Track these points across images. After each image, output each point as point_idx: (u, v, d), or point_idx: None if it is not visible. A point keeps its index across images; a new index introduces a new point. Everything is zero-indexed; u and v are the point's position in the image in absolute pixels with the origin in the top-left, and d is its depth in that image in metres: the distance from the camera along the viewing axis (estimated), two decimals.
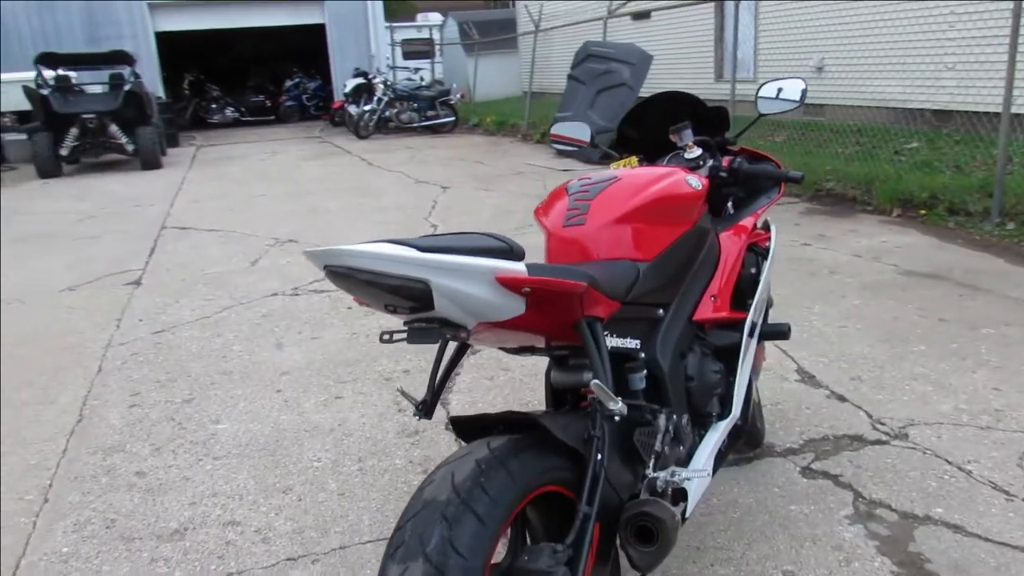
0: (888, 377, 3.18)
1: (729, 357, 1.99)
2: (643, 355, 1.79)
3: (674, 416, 1.80)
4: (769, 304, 2.54)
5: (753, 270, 2.16)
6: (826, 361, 3.38)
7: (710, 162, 2.23)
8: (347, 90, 15.73)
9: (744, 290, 2.11)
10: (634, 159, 2.40)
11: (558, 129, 2.57)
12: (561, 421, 1.52)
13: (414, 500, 1.34)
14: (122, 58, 12.13)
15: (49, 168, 11.39)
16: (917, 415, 2.85)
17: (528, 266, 1.36)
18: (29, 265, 6.01)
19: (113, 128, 11.71)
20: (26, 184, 10.94)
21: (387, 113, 14.93)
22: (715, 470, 1.97)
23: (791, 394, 3.09)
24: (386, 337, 1.38)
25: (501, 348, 1.71)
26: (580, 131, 2.51)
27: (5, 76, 13.36)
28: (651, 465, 1.68)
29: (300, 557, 2.24)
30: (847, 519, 2.27)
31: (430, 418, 1.65)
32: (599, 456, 1.50)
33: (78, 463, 2.85)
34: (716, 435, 1.93)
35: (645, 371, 1.79)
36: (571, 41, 13.51)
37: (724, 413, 1.96)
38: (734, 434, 2.09)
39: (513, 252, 1.36)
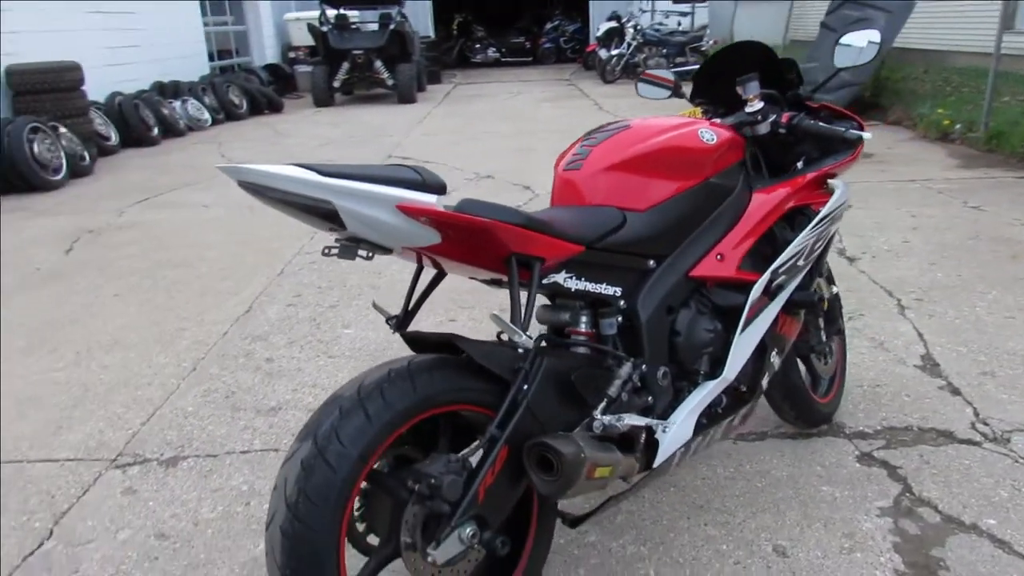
0: None
1: (732, 318, 1.93)
2: (622, 303, 1.82)
3: (644, 366, 1.82)
4: (825, 275, 2.39)
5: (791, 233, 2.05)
6: (963, 351, 3.03)
7: (771, 116, 2.13)
8: (600, 34, 15.78)
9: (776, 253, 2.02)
10: (697, 111, 2.34)
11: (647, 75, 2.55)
12: (492, 349, 1.62)
13: (333, 394, 1.54)
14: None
15: (323, 98, 12.84)
16: None
17: (466, 202, 1.48)
18: None
19: (378, 64, 12.85)
20: (303, 111, 12.44)
21: (635, 58, 14.82)
22: (705, 431, 1.95)
23: (898, 379, 2.84)
24: (325, 251, 1.56)
25: (472, 279, 1.82)
26: (666, 75, 2.48)
27: (295, 14, 15.15)
28: (600, 408, 1.73)
29: None
30: (878, 511, 2.12)
31: (404, 331, 1.80)
32: (525, 387, 1.60)
33: (229, 344, 3.42)
34: (701, 394, 1.90)
35: (619, 318, 1.82)
36: None
37: (715, 373, 1.92)
38: (737, 399, 2.04)
39: (425, 184, 1.47)
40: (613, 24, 15.59)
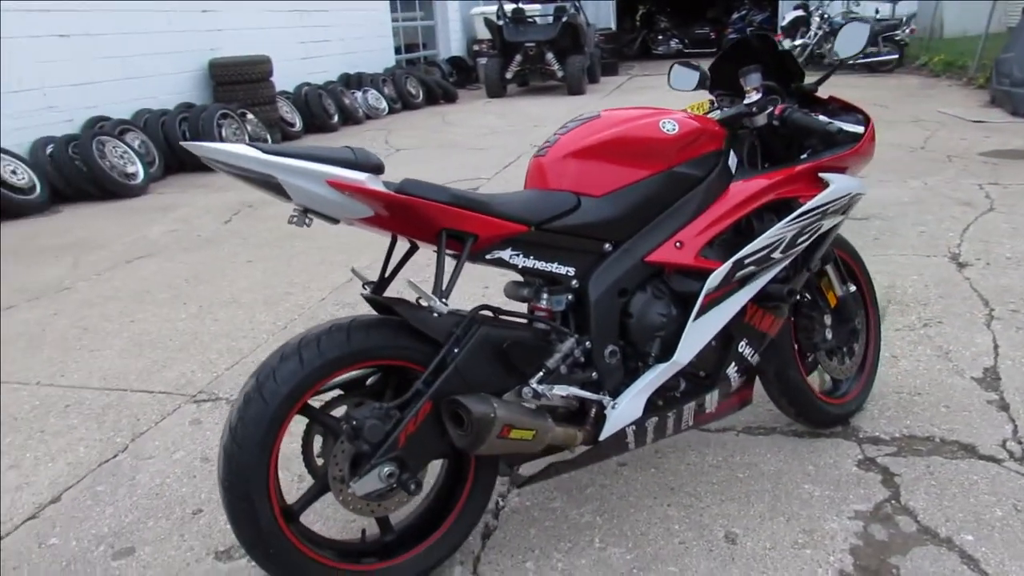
0: None
1: (690, 305, 1.97)
2: (575, 283, 1.93)
3: (588, 343, 1.92)
4: (834, 273, 2.33)
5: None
6: None
7: (768, 108, 2.14)
8: (784, 23, 15.14)
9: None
10: (705, 103, 2.37)
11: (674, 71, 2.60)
12: (428, 314, 1.80)
13: (286, 341, 1.80)
14: None
15: (495, 89, 13.35)
16: None
17: (407, 181, 1.69)
18: (420, 167, 7.44)
19: (549, 56, 13.15)
20: (475, 102, 13.01)
21: (821, 48, 14.06)
22: (661, 413, 2.02)
23: (945, 389, 2.68)
24: (289, 220, 1.81)
25: None
26: (690, 75, 2.51)
27: (480, 9, 15.79)
28: (535, 378, 1.86)
29: None
30: (853, 513, 2.08)
31: (381, 295, 2.00)
32: (456, 350, 1.78)
33: (322, 309, 3.82)
34: (651, 375, 1.97)
35: (568, 296, 1.94)
36: None
37: (666, 356, 1.98)
38: (697, 385, 2.08)
39: (357, 163, 1.67)
40: (799, 13, 14.89)
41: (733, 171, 2.10)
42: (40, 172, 6.57)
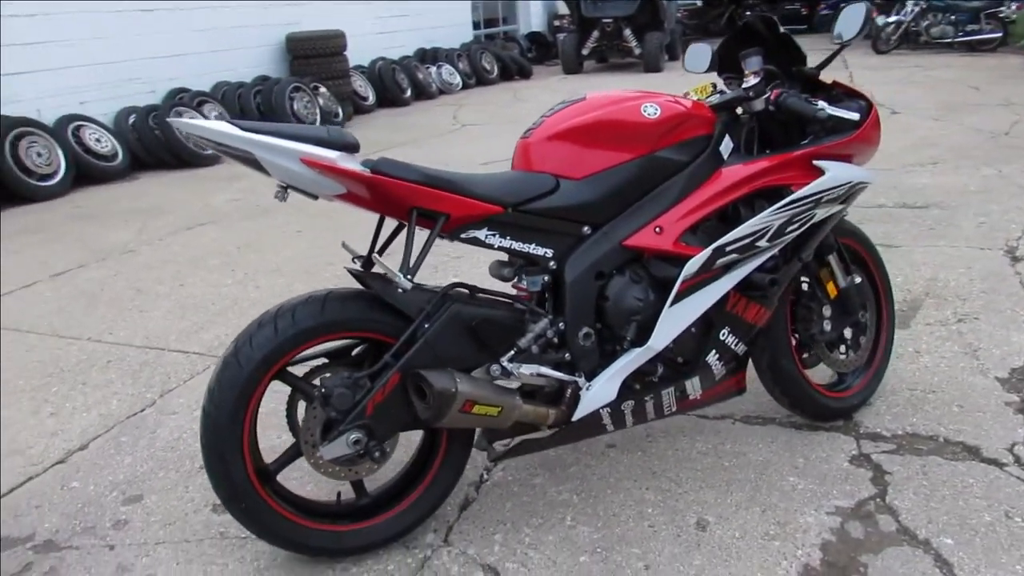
0: None
1: (669, 290, 1.97)
2: (552, 264, 1.96)
3: (561, 325, 1.95)
4: (838, 263, 2.27)
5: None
6: None
7: (766, 93, 2.10)
8: None
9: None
10: (708, 85, 2.33)
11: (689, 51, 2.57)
12: (403, 291, 1.85)
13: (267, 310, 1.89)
14: None
15: (571, 66, 13.25)
16: None
17: (381, 160, 1.75)
18: (483, 143, 7.50)
19: (627, 32, 12.94)
20: (549, 78, 12.96)
21: (917, 25, 13.36)
22: (639, 397, 2.03)
23: (963, 388, 2.58)
24: (275, 195, 1.89)
25: None
26: (703, 56, 2.48)
27: None
28: (506, 356, 1.90)
29: None
30: (832, 509, 2.04)
31: (369, 270, 2.07)
32: (426, 325, 1.84)
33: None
34: (626, 359, 1.98)
35: (545, 277, 1.96)
36: None
37: (642, 341, 1.98)
38: (676, 371, 2.07)
39: (330, 142, 1.73)
40: None
41: (725, 156, 2.07)
42: (122, 140, 6.94)
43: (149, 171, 7.05)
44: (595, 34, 13.09)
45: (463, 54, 12.33)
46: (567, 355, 1.97)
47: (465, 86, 11.94)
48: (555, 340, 1.97)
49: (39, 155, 6.16)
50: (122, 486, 2.34)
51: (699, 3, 17.63)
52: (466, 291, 1.97)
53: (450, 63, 11.89)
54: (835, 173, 2.07)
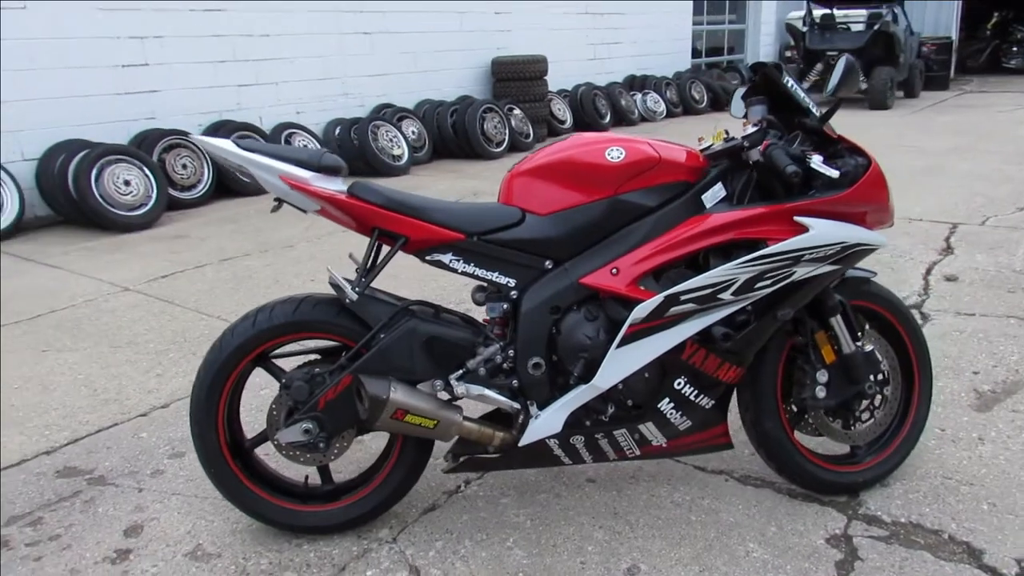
0: None
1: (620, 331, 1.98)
2: (513, 293, 2.05)
3: (511, 352, 2.03)
4: (842, 329, 2.12)
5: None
6: None
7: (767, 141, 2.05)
8: None
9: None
10: (722, 132, 2.29)
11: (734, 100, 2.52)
12: (372, 303, 2.04)
13: None
14: None
15: None
16: None
17: (357, 182, 1.97)
18: None
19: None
20: None
21: None
22: (587, 433, 2.06)
23: (1009, 486, 2.28)
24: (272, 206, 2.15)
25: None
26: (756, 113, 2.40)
27: (797, 13, 15.02)
28: (454, 375, 2.02)
29: None
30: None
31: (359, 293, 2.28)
32: (382, 335, 2.02)
33: (463, 291, 4.18)
34: (572, 394, 2.02)
35: (504, 305, 2.06)
36: None
37: (588, 378, 2.00)
38: (626, 413, 2.06)
39: (311, 164, 1.96)
40: None
41: (710, 204, 2.04)
42: (328, 148, 7.78)
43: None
44: (818, 67, 12.45)
45: (672, 83, 12.29)
46: (514, 382, 2.06)
47: (670, 114, 11.90)
48: (505, 367, 2.05)
49: None
50: (175, 443, 2.74)
51: (952, 37, 16.08)
52: (431, 309, 2.12)
53: (657, 91, 11.90)
54: (820, 232, 1.96)
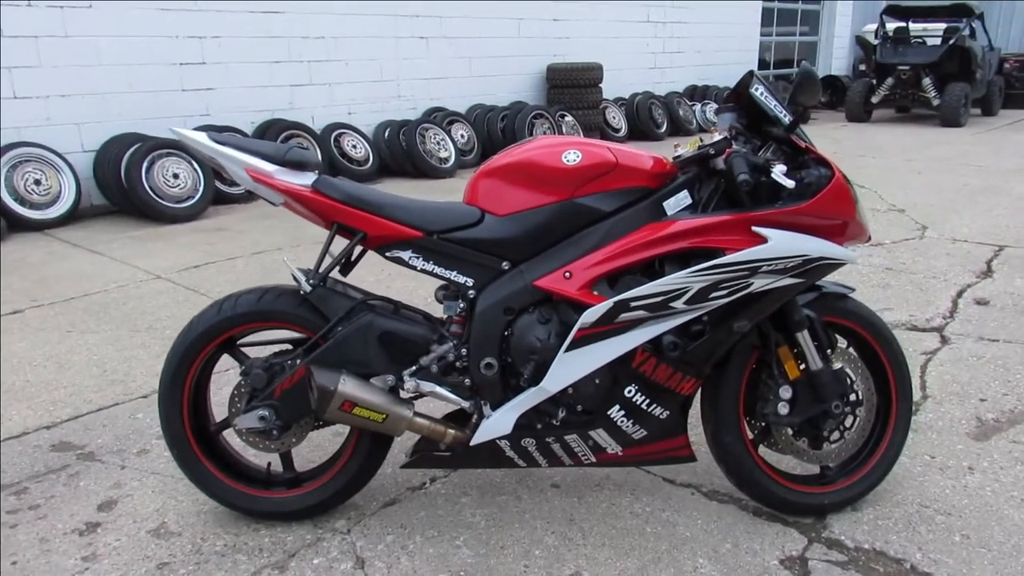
0: None
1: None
2: (471, 293, 2.07)
3: (463, 351, 2.04)
4: (806, 343, 2.06)
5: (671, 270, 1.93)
6: None
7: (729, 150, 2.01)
8: None
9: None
10: (696, 140, 2.25)
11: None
12: (333, 296, 2.09)
13: None
14: (963, 11, 11.84)
15: (855, 113, 12.34)
16: None
17: (320, 178, 2.02)
18: None
19: (925, 81, 11.75)
20: (828, 124, 12.19)
21: None
22: (538, 436, 2.05)
23: (989, 519, 2.17)
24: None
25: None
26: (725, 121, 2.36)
27: (872, 26, 14.59)
28: (407, 371, 2.05)
29: None
30: None
31: (344, 275, 2.33)
32: (339, 328, 2.06)
33: None
34: (521, 396, 2.01)
35: (460, 304, 2.07)
36: None
37: (538, 381, 1.99)
38: (577, 418, 2.04)
39: (275, 157, 2.01)
40: None
41: (671, 211, 2.00)
42: (375, 149, 7.93)
43: (392, 177, 7.96)
44: (889, 81, 12.07)
45: None
46: (466, 380, 2.06)
47: None
48: (458, 365, 2.06)
49: None
50: None
51: None
52: (390, 305, 2.15)
53: (717, 102, 11.71)
54: (779, 243, 1.91)
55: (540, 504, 2.30)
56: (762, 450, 2.25)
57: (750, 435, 2.21)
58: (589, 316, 1.94)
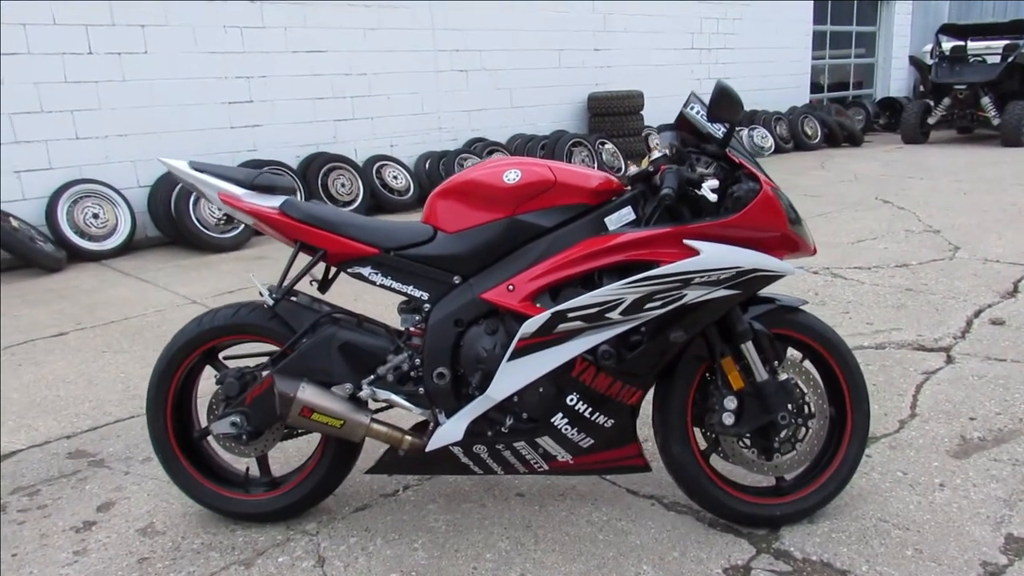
0: None
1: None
2: (427, 306, 2.19)
3: (417, 361, 2.16)
4: (752, 355, 2.10)
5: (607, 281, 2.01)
6: None
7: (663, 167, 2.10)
8: None
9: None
10: (646, 159, 2.33)
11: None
12: (300, 310, 2.24)
13: None
14: (1021, 27, 11.51)
15: (911, 134, 12.04)
16: None
17: (286, 201, 2.18)
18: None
19: (984, 100, 11.42)
20: (881, 147, 11.94)
21: None
22: (489, 442, 2.14)
23: (947, 535, 2.15)
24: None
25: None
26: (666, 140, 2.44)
27: (930, 47, 14.28)
28: (364, 380, 2.18)
29: None
30: None
31: (323, 292, 2.48)
32: (304, 340, 2.21)
33: None
34: (470, 404, 2.11)
35: (416, 317, 2.20)
36: None
37: (483, 389, 2.09)
38: (523, 425, 2.12)
39: (244, 182, 2.18)
40: None
41: (613, 227, 2.09)
42: (416, 179, 8.18)
43: None
44: (946, 101, 11.77)
45: (783, 117, 11.98)
46: (420, 389, 2.18)
47: (778, 150, 11.59)
48: (413, 375, 2.18)
49: (343, 185, 7.59)
50: None
51: None
52: (354, 318, 2.29)
53: (765, 126, 11.64)
54: (710, 256, 1.98)
55: (502, 512, 2.38)
56: (716, 461, 2.28)
57: (703, 445, 2.25)
58: (529, 327, 2.03)
